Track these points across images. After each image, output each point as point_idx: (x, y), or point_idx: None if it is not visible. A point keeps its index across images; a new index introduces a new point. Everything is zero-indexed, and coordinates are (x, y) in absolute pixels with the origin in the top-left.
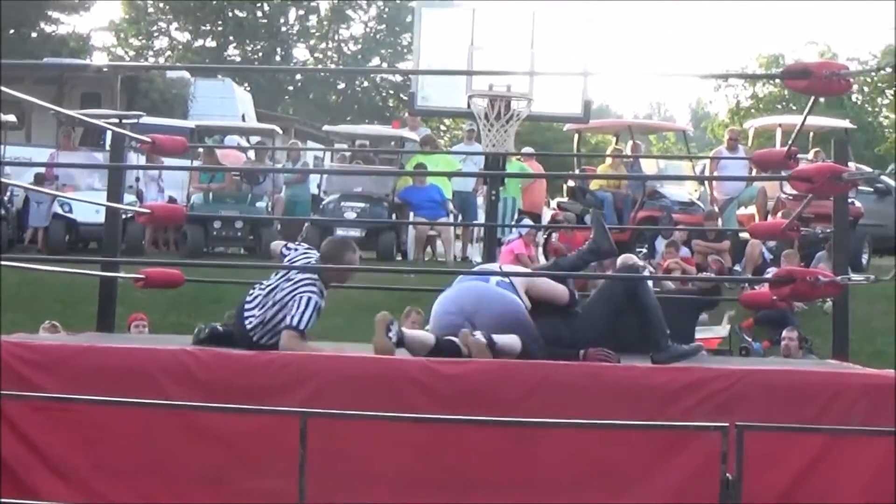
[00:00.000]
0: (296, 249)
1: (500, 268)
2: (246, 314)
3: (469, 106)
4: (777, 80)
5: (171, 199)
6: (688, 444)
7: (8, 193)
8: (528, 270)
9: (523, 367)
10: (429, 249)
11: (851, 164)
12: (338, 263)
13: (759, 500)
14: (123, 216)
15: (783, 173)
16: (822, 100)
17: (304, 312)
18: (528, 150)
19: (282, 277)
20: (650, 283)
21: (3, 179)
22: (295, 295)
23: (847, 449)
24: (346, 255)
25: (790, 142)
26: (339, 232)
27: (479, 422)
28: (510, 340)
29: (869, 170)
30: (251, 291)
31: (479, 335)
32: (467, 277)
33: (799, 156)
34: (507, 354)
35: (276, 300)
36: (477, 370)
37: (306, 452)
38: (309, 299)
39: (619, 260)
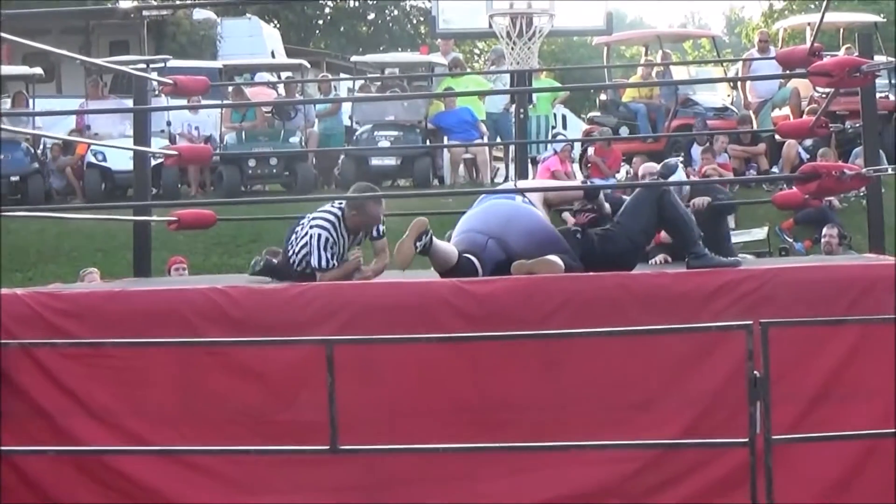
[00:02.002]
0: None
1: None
2: (288, 247)
3: (491, 25)
4: None
5: (208, 140)
6: (716, 347)
7: (42, 146)
8: (545, 185)
9: (554, 281)
10: (461, 171)
11: (882, 58)
12: (361, 212)
13: (793, 396)
14: (155, 160)
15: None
16: None
17: (318, 252)
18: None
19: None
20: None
21: (35, 131)
22: (309, 232)
23: (879, 341)
24: (368, 206)
25: (813, 38)
26: (375, 161)
27: (507, 337)
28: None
29: None
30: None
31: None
32: (493, 197)
33: (831, 53)
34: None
35: (300, 234)
36: (507, 287)
37: (335, 381)
38: (318, 236)
39: (642, 168)
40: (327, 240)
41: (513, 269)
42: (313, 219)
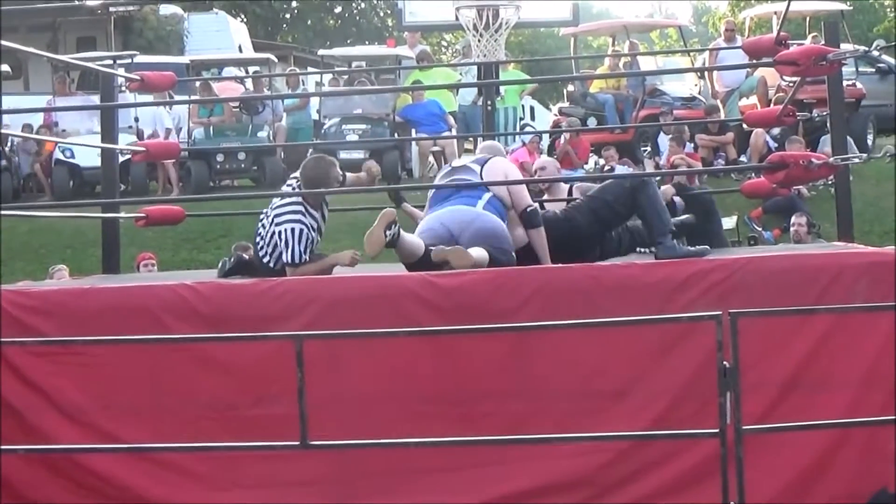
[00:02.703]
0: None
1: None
2: (258, 242)
3: (457, 18)
4: None
5: (169, 134)
6: (686, 337)
7: (9, 143)
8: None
9: (523, 273)
10: (432, 163)
11: (849, 46)
12: (324, 184)
13: (764, 386)
14: (123, 157)
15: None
16: None
17: (291, 246)
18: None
19: (271, 205)
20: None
21: (2, 130)
22: (278, 230)
23: (850, 329)
24: (331, 172)
25: (779, 27)
26: (343, 155)
27: (476, 330)
28: (479, 252)
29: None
30: (260, 219)
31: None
32: (456, 200)
33: (797, 42)
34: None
35: (269, 227)
36: (476, 280)
37: (304, 375)
38: (292, 231)
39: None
40: (301, 231)
41: (432, 255)
42: (278, 216)
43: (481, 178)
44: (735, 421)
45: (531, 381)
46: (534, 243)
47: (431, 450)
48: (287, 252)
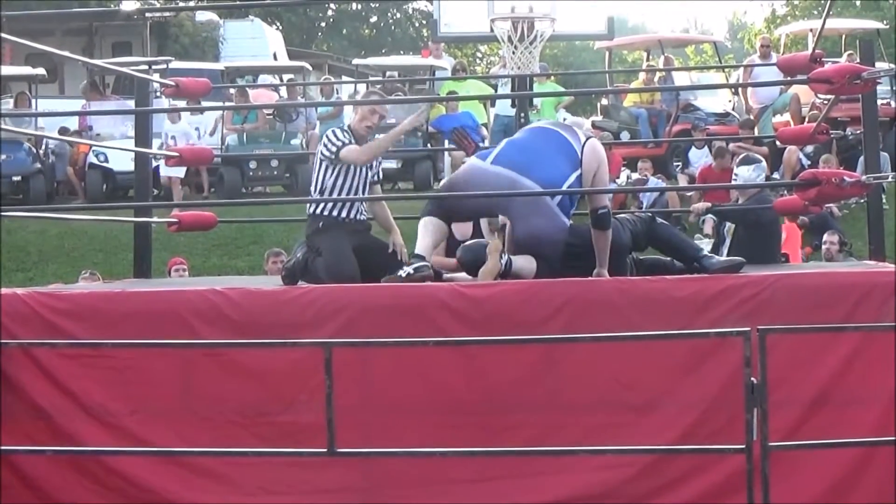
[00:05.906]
0: None
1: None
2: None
3: (492, 29)
4: None
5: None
6: (715, 352)
7: (44, 146)
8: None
9: (552, 285)
10: None
11: (884, 65)
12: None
13: (791, 402)
14: (156, 162)
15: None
16: (857, 2)
17: (327, 146)
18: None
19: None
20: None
21: (36, 132)
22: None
23: (878, 347)
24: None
25: (814, 45)
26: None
27: (505, 341)
28: (527, 265)
29: None
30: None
31: (504, 256)
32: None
33: (832, 59)
34: (517, 277)
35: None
36: (506, 291)
37: (333, 383)
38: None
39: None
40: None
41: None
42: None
43: (582, 151)
44: (762, 437)
45: (558, 394)
46: (596, 244)
47: (458, 460)
48: (326, 149)
